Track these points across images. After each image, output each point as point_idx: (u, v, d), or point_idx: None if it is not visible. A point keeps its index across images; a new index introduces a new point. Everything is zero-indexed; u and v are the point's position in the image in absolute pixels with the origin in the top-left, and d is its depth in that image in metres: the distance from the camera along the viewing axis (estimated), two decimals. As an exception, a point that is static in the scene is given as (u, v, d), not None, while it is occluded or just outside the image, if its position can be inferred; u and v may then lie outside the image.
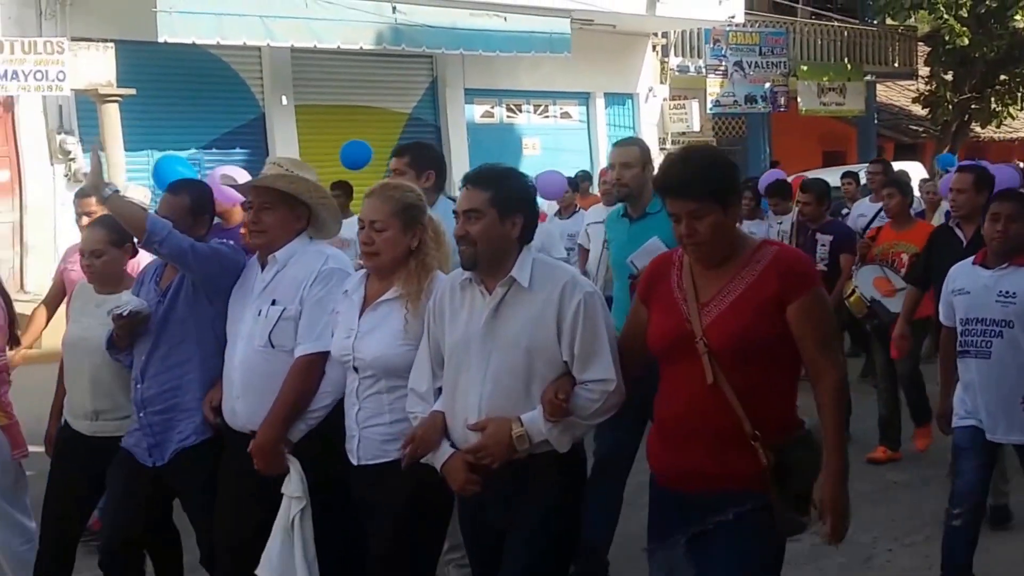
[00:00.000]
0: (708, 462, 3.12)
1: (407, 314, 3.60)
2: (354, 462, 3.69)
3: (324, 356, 3.84)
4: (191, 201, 4.33)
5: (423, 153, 5.03)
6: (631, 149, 5.18)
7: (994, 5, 22.11)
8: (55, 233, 12.99)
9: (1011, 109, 24.29)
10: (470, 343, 3.35)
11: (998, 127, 25.11)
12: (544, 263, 3.44)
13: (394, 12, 15.06)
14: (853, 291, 7.35)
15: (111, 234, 4.49)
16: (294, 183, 4.01)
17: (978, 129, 25.23)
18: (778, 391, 3.17)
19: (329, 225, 4.21)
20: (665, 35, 20.87)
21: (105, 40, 12.97)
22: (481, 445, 3.29)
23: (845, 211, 10.83)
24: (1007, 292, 4.65)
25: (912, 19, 24.09)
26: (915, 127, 26.79)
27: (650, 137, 20.16)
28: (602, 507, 4.99)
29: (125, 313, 4.12)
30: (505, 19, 16.29)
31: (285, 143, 15.46)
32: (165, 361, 4.18)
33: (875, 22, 25.14)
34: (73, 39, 12.80)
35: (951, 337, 4.89)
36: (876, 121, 25.89)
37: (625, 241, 5.07)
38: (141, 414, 4.21)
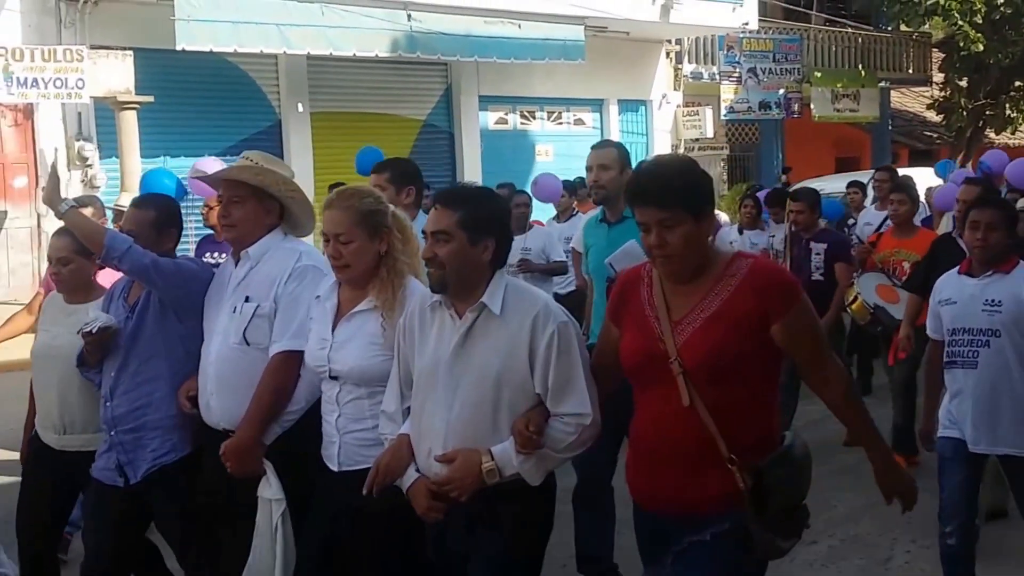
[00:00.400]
0: (685, 485, 3.01)
1: (383, 322, 3.51)
2: (334, 468, 3.59)
3: (300, 354, 3.75)
4: (156, 215, 4.25)
5: (402, 169, 4.99)
6: (608, 151, 5.11)
7: (1009, 11, 22.07)
8: (73, 238, 13.10)
9: (1026, 115, 24.29)
10: (438, 368, 3.22)
11: (1013, 133, 25.04)
12: (517, 288, 3.29)
13: (409, 20, 15.15)
14: (856, 297, 7.25)
15: (75, 242, 4.37)
16: (260, 175, 3.93)
17: (992, 135, 25.13)
18: (756, 408, 3.05)
19: (302, 221, 4.13)
20: (679, 42, 20.92)
21: (124, 48, 13.11)
22: (448, 478, 3.16)
23: (852, 221, 10.68)
24: (993, 300, 4.55)
25: (926, 25, 24.04)
26: (929, 133, 26.78)
27: (663, 144, 20.29)
28: (593, 520, 5.02)
29: (95, 330, 4.06)
30: (519, 26, 16.35)
31: (301, 150, 15.63)
32: (135, 378, 4.12)
33: (889, 28, 25.11)
34: (92, 47, 12.97)
35: (938, 351, 4.78)
36: (890, 127, 25.89)
37: (604, 246, 5.00)
38: (112, 432, 4.15)
